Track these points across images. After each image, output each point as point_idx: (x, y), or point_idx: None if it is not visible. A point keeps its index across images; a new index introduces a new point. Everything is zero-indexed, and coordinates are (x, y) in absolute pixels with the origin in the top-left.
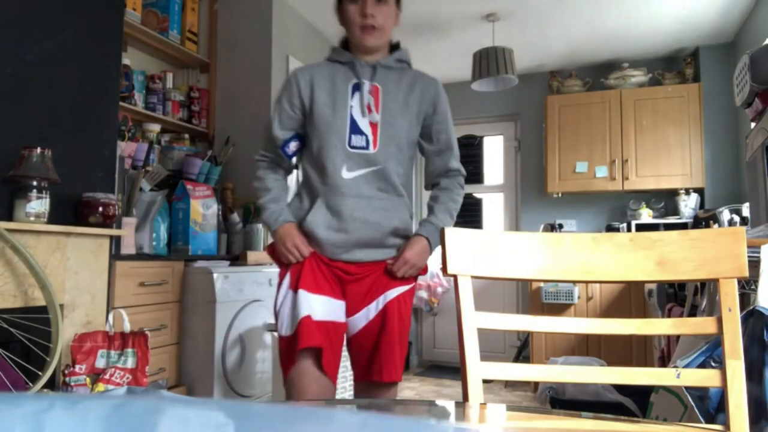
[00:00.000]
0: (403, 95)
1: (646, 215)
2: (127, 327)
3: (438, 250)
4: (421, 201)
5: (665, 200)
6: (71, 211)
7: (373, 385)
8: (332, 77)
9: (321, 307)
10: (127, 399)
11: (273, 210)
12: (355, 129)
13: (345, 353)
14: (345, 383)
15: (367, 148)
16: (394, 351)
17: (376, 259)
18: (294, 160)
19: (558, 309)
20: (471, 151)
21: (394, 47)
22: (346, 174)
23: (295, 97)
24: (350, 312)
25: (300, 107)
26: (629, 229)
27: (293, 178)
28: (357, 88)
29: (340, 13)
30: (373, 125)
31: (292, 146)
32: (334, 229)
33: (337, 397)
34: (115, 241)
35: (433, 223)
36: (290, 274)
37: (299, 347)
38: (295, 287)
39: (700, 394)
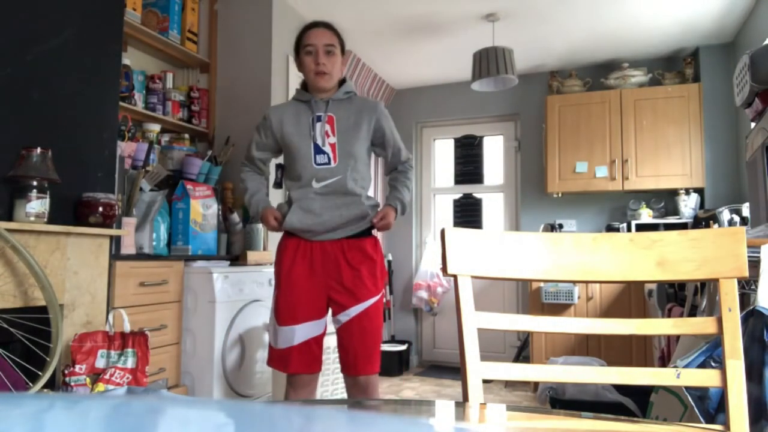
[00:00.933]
0: (353, 119)
1: (646, 215)
2: (127, 327)
3: (438, 248)
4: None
5: (665, 200)
6: (71, 211)
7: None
8: (297, 114)
9: (294, 335)
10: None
11: (255, 201)
12: (318, 150)
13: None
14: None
15: (329, 163)
16: (370, 348)
17: (341, 237)
18: (271, 171)
19: (558, 309)
20: (471, 151)
21: (342, 82)
22: (315, 184)
23: (267, 130)
24: (335, 312)
25: (272, 138)
26: (629, 229)
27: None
28: (316, 120)
29: (298, 62)
30: (332, 145)
31: (278, 174)
32: (305, 223)
33: (339, 397)
34: (115, 241)
35: (397, 196)
36: (275, 298)
37: (286, 371)
38: (278, 321)
39: (700, 394)
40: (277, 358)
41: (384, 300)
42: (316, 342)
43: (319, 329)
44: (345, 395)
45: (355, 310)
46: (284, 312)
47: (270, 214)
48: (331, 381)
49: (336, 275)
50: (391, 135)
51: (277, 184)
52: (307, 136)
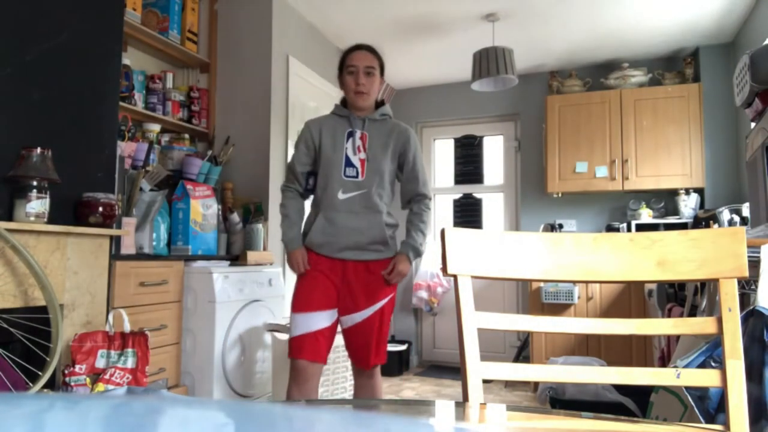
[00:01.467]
0: (384, 139)
1: (646, 215)
2: (127, 327)
3: (438, 248)
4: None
5: (665, 200)
6: (71, 211)
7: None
8: (334, 127)
9: (311, 321)
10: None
11: (289, 237)
12: (348, 163)
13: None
14: (345, 383)
15: (357, 177)
16: (380, 343)
17: (360, 259)
18: (310, 185)
19: (558, 309)
20: (471, 151)
21: (380, 104)
22: (341, 195)
23: (309, 141)
24: (348, 310)
25: (312, 147)
26: (629, 229)
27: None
28: (351, 135)
29: (340, 80)
30: (362, 161)
31: (310, 181)
32: (328, 234)
33: (340, 396)
34: (115, 241)
35: (410, 243)
36: (294, 292)
37: (294, 357)
38: (294, 309)
39: (700, 394)
40: (292, 345)
41: (394, 300)
42: (326, 334)
43: (330, 320)
44: (346, 395)
45: (370, 310)
46: (300, 300)
47: (298, 256)
48: (331, 381)
49: (353, 283)
50: (413, 161)
51: (308, 191)
52: (341, 148)
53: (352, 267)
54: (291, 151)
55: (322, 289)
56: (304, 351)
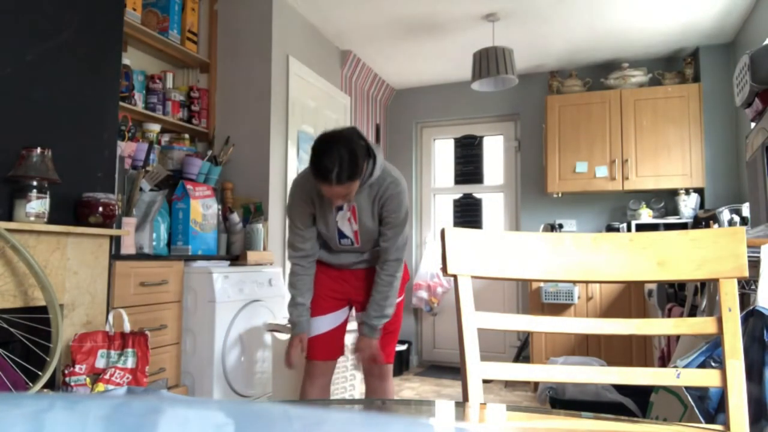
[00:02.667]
0: (370, 208)
1: (646, 215)
2: (127, 327)
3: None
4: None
5: (665, 200)
6: (71, 211)
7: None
8: (321, 199)
9: (322, 324)
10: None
11: (294, 322)
12: (342, 236)
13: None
14: (345, 383)
15: (352, 244)
16: (392, 343)
17: (363, 267)
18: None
19: (558, 309)
20: (471, 151)
21: (367, 160)
22: (338, 251)
23: (308, 206)
24: (362, 307)
25: (312, 212)
26: (629, 229)
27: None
28: (339, 209)
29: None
30: (355, 232)
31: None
32: (329, 260)
33: (340, 397)
34: (115, 241)
35: (369, 324)
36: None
37: (307, 358)
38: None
39: (700, 394)
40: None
41: (403, 303)
42: (339, 331)
43: (341, 318)
44: (346, 395)
45: None
46: (311, 305)
47: (296, 344)
48: (333, 381)
49: (362, 282)
50: (390, 218)
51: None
52: (333, 225)
53: (361, 271)
54: (291, 152)
55: (331, 291)
56: (317, 352)
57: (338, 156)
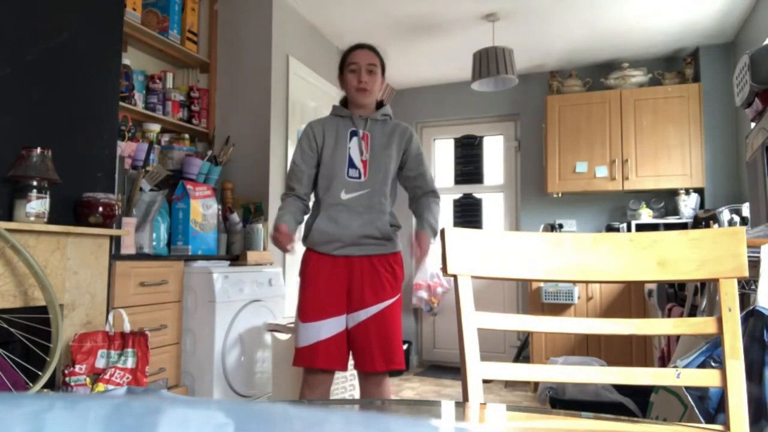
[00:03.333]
0: (386, 139)
1: (646, 215)
2: (127, 327)
3: (438, 248)
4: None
5: (665, 200)
6: (71, 211)
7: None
8: (336, 128)
9: (321, 329)
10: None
11: (279, 216)
12: (351, 164)
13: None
14: (345, 383)
15: (359, 177)
16: (388, 345)
17: (365, 254)
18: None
19: (558, 309)
20: (471, 151)
21: (380, 105)
22: (344, 195)
23: (312, 141)
24: (354, 308)
25: (316, 149)
26: (629, 229)
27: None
28: (354, 134)
29: (341, 79)
30: (364, 161)
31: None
32: (330, 233)
33: (340, 397)
34: (115, 241)
35: (428, 220)
36: (301, 300)
37: (314, 365)
38: (303, 319)
39: (700, 394)
40: (304, 355)
41: (401, 301)
42: (340, 339)
43: (341, 326)
44: (346, 395)
45: (375, 308)
46: (310, 309)
47: (284, 230)
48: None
49: (359, 279)
50: (417, 159)
51: (309, 194)
52: (344, 148)
53: (358, 263)
54: (291, 151)
55: (330, 294)
56: (319, 359)
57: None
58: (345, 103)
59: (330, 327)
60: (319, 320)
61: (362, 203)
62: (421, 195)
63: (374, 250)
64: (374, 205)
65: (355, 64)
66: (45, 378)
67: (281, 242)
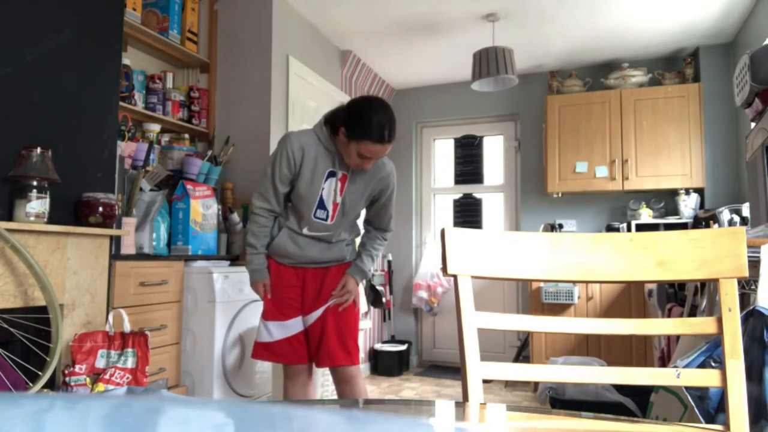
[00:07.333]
0: (363, 184)
1: (646, 215)
2: (127, 327)
3: (438, 248)
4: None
5: (665, 200)
6: (71, 211)
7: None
8: (315, 159)
9: (285, 329)
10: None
11: (254, 266)
12: (321, 205)
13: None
14: None
15: (326, 220)
16: (344, 342)
17: (322, 267)
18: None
19: (558, 309)
20: (471, 151)
21: None
22: (306, 231)
23: (291, 164)
24: (309, 309)
25: (293, 170)
26: (629, 229)
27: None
28: (332, 174)
29: (344, 137)
30: (335, 204)
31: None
32: (290, 252)
33: (336, 396)
34: (115, 241)
35: (359, 266)
36: (265, 304)
37: (278, 361)
38: (267, 318)
39: (700, 394)
40: (260, 349)
41: (360, 299)
42: (301, 337)
43: (299, 327)
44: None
45: (326, 306)
46: (269, 309)
47: (260, 286)
48: (330, 381)
49: (318, 283)
50: (386, 203)
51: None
52: (317, 188)
53: (312, 271)
54: None
55: (290, 298)
56: (288, 356)
57: (388, 115)
58: (335, 130)
59: (289, 327)
60: (278, 320)
61: (324, 238)
62: (373, 229)
63: (331, 264)
64: (334, 239)
65: (369, 154)
66: (45, 378)
67: (261, 294)
